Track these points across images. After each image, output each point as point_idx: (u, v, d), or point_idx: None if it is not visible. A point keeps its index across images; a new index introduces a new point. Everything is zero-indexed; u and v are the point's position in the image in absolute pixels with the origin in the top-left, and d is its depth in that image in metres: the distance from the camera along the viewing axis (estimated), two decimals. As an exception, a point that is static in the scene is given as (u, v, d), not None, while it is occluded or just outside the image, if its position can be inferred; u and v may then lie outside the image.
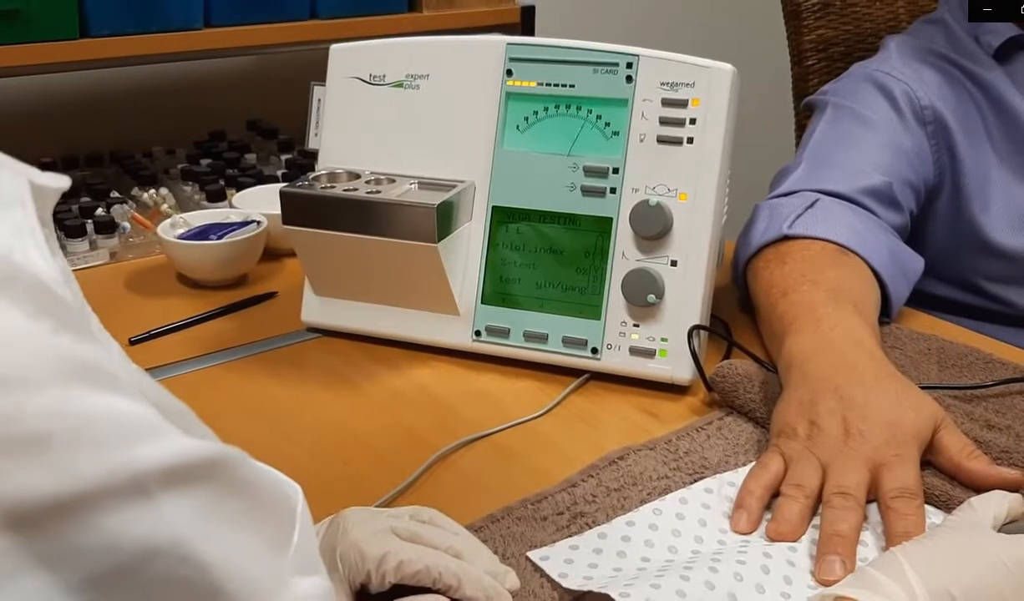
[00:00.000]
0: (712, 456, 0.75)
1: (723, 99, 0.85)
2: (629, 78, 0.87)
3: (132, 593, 0.33)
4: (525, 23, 1.61)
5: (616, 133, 0.88)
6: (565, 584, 0.60)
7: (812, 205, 0.96)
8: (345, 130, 0.95)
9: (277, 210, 0.94)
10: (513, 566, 0.61)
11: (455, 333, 0.92)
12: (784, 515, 0.66)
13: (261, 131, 1.62)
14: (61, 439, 0.31)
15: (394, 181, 0.91)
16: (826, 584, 0.59)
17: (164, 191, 1.32)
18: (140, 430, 0.33)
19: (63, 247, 1.14)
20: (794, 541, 0.65)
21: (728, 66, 0.85)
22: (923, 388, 0.75)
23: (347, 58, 0.95)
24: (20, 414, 0.30)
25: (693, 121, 0.85)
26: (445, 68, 0.92)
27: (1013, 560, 0.55)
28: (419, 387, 0.89)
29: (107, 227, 1.19)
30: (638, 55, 0.87)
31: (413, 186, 0.91)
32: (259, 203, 1.18)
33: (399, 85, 0.93)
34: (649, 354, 0.86)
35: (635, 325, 0.87)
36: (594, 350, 0.88)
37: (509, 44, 0.91)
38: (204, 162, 1.46)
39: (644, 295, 0.85)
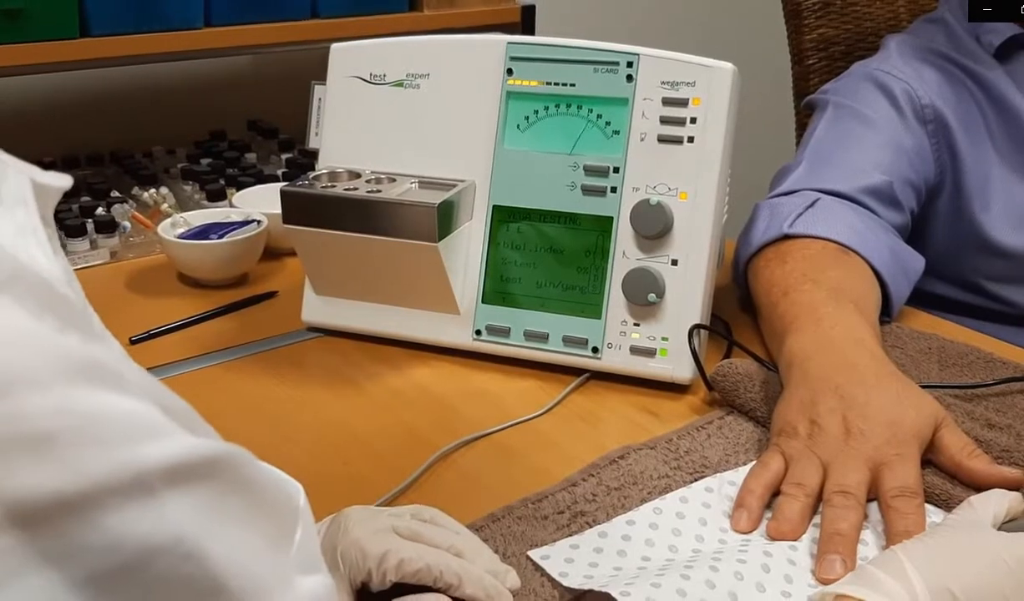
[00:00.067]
0: (713, 455, 0.75)
1: (724, 98, 0.85)
2: (629, 77, 0.87)
3: (135, 590, 0.33)
4: (525, 22, 1.61)
5: (617, 132, 0.88)
6: (566, 583, 0.60)
7: (813, 204, 0.96)
8: (345, 129, 0.95)
9: (277, 209, 0.94)
10: (514, 565, 0.61)
11: (455, 332, 0.92)
12: (785, 514, 0.66)
13: (261, 130, 1.62)
14: (66, 437, 0.31)
15: (395, 180, 0.91)
16: (826, 583, 0.59)
17: (164, 190, 1.32)
18: (144, 429, 0.33)
19: (63, 246, 1.14)
20: (795, 540, 0.65)
21: (729, 65, 0.85)
22: (924, 387, 0.75)
23: (348, 57, 0.95)
24: (25, 413, 0.30)
25: (694, 120, 0.85)
26: (445, 67, 0.92)
27: (1013, 558, 0.55)
28: (419, 386, 0.89)
29: (107, 226, 1.19)
30: (638, 54, 0.87)
31: (414, 185, 0.91)
32: (259, 202, 1.18)
33: (399, 84, 0.93)
34: (650, 353, 0.86)
35: (636, 324, 0.87)
36: (595, 349, 0.88)
37: (510, 43, 0.91)
38: (204, 161, 1.47)
39: (645, 294, 0.85)
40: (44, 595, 0.31)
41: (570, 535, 0.65)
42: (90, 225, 1.18)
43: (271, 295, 1.08)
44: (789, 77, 1.43)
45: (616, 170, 0.87)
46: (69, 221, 1.17)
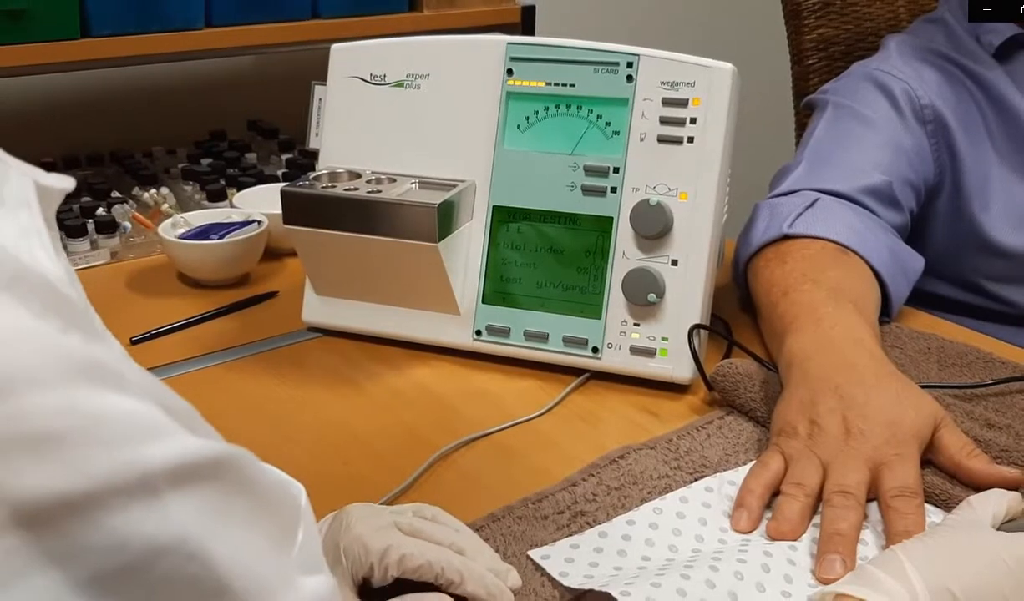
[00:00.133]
0: (712, 455, 0.75)
1: (723, 98, 0.85)
2: (629, 77, 0.87)
3: (139, 591, 0.33)
4: (525, 23, 1.61)
5: (617, 132, 0.88)
6: (566, 583, 0.60)
7: (812, 204, 0.97)
8: (346, 130, 0.95)
9: (278, 210, 0.94)
10: (514, 565, 0.61)
11: (456, 332, 0.92)
12: (784, 514, 0.66)
13: (262, 131, 1.62)
14: (70, 438, 0.31)
15: (395, 181, 0.91)
16: (826, 582, 0.60)
17: (165, 191, 1.32)
18: (148, 429, 0.33)
19: (64, 247, 1.14)
20: (794, 540, 0.65)
21: (728, 65, 0.85)
22: (923, 387, 0.75)
23: (348, 58, 0.95)
24: (29, 413, 0.30)
25: (693, 120, 0.85)
26: (446, 68, 0.92)
27: (1013, 558, 0.55)
28: (420, 386, 0.89)
29: (108, 227, 1.19)
30: (638, 55, 0.87)
31: (414, 186, 0.91)
32: (260, 203, 1.18)
33: (400, 85, 0.93)
34: (650, 353, 0.86)
35: (635, 324, 0.87)
36: (595, 349, 0.88)
37: (510, 44, 0.91)
38: (205, 162, 1.47)
39: (644, 294, 0.85)
40: (48, 595, 0.31)
41: (570, 535, 0.66)
42: (91, 225, 1.19)
43: (271, 295, 1.08)
44: (789, 77, 1.43)
45: (616, 170, 0.87)
46: (70, 221, 1.17)
